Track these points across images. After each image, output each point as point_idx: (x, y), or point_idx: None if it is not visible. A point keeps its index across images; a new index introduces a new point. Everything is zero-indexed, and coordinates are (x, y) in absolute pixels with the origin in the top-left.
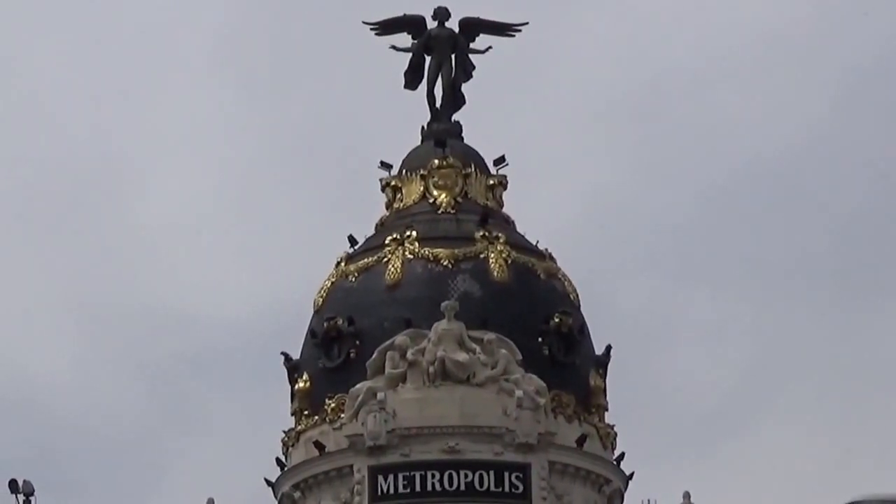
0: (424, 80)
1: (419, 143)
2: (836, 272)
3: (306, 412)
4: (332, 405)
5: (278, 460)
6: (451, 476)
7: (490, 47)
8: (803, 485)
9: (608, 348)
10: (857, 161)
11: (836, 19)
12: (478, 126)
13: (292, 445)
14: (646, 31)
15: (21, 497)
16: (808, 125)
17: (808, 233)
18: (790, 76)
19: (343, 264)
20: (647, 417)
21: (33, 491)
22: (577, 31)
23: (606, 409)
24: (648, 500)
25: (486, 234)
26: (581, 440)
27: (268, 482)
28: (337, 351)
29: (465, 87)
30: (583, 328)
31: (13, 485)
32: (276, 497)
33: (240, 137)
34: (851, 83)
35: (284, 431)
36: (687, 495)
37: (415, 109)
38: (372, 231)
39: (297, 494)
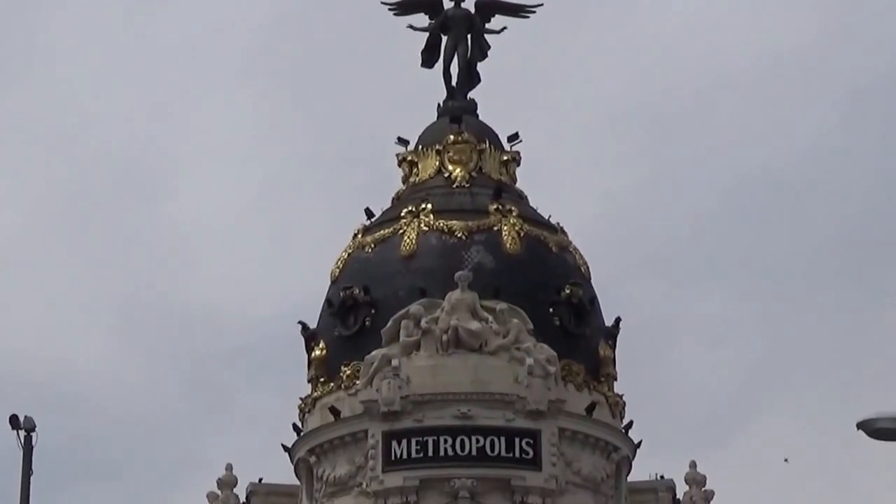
0: (441, 59)
1: (435, 119)
2: (838, 274)
3: (322, 379)
4: (348, 372)
5: (295, 426)
6: (462, 441)
7: (505, 28)
8: (805, 473)
9: (617, 320)
10: (859, 169)
11: (842, 36)
12: (492, 104)
13: (308, 411)
14: (655, 28)
15: (22, 433)
16: (812, 135)
17: (812, 237)
18: (796, 89)
19: (360, 236)
20: (655, 412)
21: (34, 427)
22: (592, 16)
23: (615, 379)
24: (659, 475)
25: (500, 207)
26: (590, 408)
27: (284, 447)
28: (353, 319)
29: (480, 66)
30: (593, 300)
31: (14, 420)
32: (292, 462)
33: (265, 131)
34: (854, 96)
35: (301, 398)
36: (693, 464)
37: (431, 87)
38: (388, 204)
39: (312, 459)
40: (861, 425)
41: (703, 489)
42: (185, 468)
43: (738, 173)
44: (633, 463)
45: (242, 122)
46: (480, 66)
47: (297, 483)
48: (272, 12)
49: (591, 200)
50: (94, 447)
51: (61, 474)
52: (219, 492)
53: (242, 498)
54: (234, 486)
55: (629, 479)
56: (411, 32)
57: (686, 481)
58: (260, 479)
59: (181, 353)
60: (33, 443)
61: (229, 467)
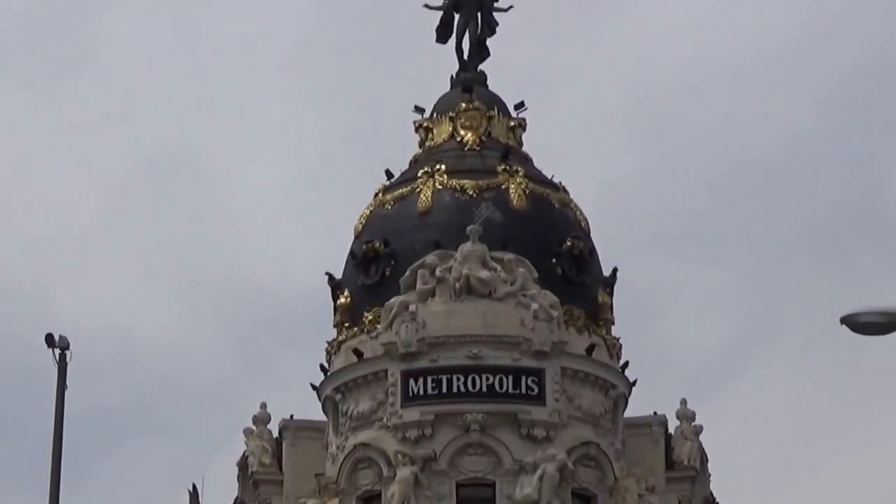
0: (453, 35)
1: (449, 89)
2: (814, 246)
3: (347, 324)
4: (370, 317)
5: (322, 366)
6: (473, 379)
7: (511, 6)
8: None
9: (615, 270)
10: (835, 158)
11: (821, 38)
12: (500, 75)
13: (334, 353)
14: (652, 17)
15: (57, 351)
16: (794, 126)
17: (791, 214)
18: (780, 84)
19: (380, 194)
20: (652, 372)
21: (68, 345)
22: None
23: (613, 323)
24: (655, 412)
25: (507, 167)
26: (590, 349)
27: (313, 386)
28: (374, 270)
29: (489, 42)
30: (592, 251)
31: (49, 339)
32: (319, 400)
33: (300, 109)
34: (831, 90)
35: (328, 342)
36: (684, 402)
37: (445, 61)
38: (406, 166)
39: (338, 396)
40: (845, 320)
41: (692, 424)
42: (233, 420)
43: (728, 159)
44: (629, 400)
45: (280, 105)
46: (490, 42)
47: (325, 419)
48: (307, 17)
49: (592, 175)
50: (151, 408)
51: (124, 427)
52: (254, 427)
53: (275, 433)
54: (268, 423)
55: (625, 414)
56: (426, 11)
57: (677, 417)
58: (291, 416)
59: (229, 320)
60: (67, 360)
61: (263, 405)
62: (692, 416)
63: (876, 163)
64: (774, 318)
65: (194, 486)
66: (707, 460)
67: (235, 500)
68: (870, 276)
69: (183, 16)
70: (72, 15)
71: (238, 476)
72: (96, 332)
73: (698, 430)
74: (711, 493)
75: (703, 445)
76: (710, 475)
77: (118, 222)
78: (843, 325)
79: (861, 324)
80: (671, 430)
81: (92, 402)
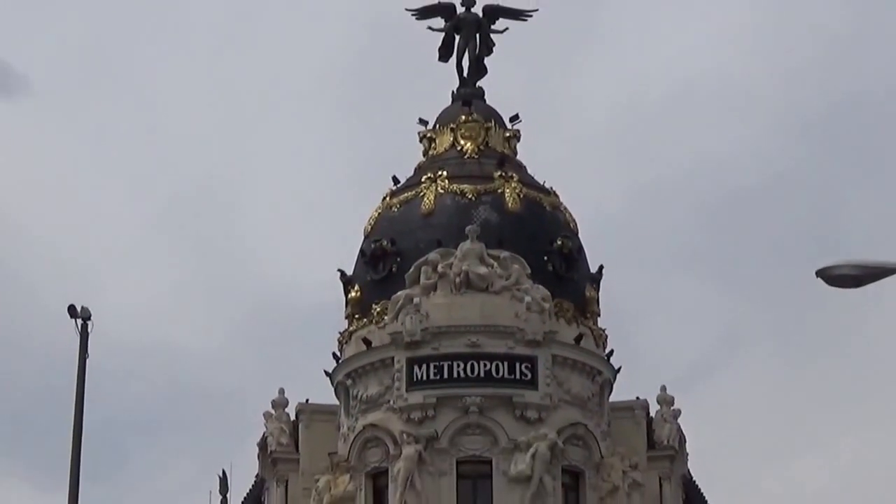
0: (454, 54)
1: (450, 103)
2: (779, 262)
3: (357, 315)
4: (378, 309)
5: (334, 354)
6: (472, 366)
7: (507, 28)
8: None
9: (601, 267)
10: (802, 185)
11: (803, 78)
12: (497, 91)
13: (346, 343)
14: (634, 48)
15: (79, 321)
16: (769, 155)
17: (762, 239)
18: (759, 117)
19: (388, 198)
20: (634, 361)
21: (90, 315)
22: (581, 22)
23: (599, 315)
24: (637, 397)
25: (503, 174)
26: (578, 339)
27: (326, 373)
28: (382, 266)
29: (487, 60)
30: (580, 250)
31: (72, 309)
32: (332, 385)
33: (318, 125)
34: (808, 124)
35: (340, 332)
36: (664, 388)
37: (446, 77)
38: (411, 173)
39: (349, 382)
40: (820, 273)
41: (672, 408)
42: (257, 411)
43: (709, 185)
44: (614, 385)
45: (300, 122)
46: (487, 60)
47: (337, 402)
48: (326, 31)
49: (579, 189)
50: (183, 403)
51: (161, 422)
52: (273, 411)
53: (292, 416)
54: (286, 407)
55: (611, 398)
56: (430, 32)
57: (658, 401)
58: (307, 400)
59: (255, 331)
60: (89, 330)
61: (281, 391)
62: (671, 401)
63: (840, 189)
64: (745, 326)
65: (224, 472)
66: (685, 441)
67: (256, 476)
68: (834, 290)
69: (213, 50)
70: (112, 47)
71: (258, 455)
72: (134, 338)
73: (677, 414)
74: (689, 471)
75: (682, 427)
76: (687, 454)
77: (156, 236)
78: (819, 279)
79: (836, 276)
80: (652, 413)
81: (132, 399)
